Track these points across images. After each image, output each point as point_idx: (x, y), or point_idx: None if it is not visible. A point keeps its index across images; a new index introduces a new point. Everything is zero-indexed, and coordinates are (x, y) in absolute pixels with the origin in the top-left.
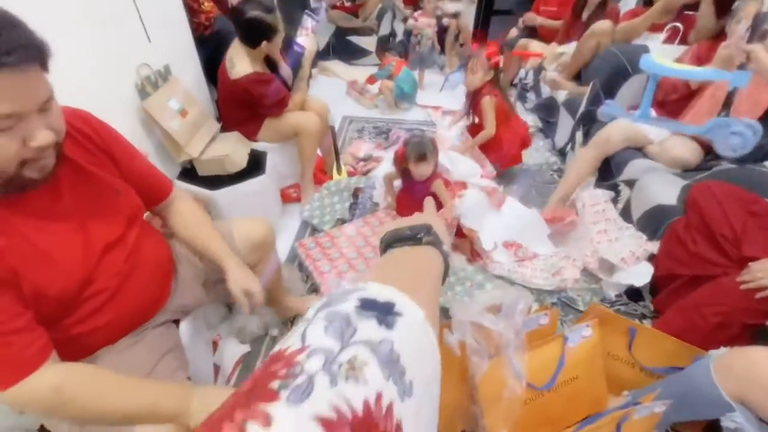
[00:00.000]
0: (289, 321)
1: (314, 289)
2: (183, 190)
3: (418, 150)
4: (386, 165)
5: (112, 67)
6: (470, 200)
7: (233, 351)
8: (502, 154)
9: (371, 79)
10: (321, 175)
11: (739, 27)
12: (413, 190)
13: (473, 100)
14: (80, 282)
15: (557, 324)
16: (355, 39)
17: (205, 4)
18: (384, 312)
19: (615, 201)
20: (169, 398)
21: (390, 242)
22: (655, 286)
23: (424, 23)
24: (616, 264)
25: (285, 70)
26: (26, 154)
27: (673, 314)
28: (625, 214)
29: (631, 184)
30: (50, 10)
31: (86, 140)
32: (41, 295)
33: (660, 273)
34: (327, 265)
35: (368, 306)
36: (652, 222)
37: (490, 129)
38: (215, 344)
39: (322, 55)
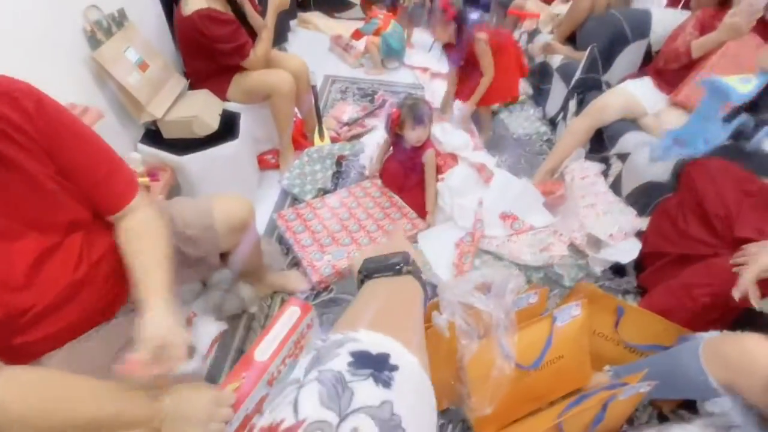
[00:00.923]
0: (269, 297)
1: (295, 263)
2: (147, 198)
3: (415, 113)
4: (377, 133)
5: (54, 8)
6: (458, 176)
7: (209, 329)
8: (502, 89)
9: (357, 34)
10: (301, 140)
11: None
12: (403, 158)
13: (461, 50)
14: (5, 302)
15: (546, 302)
16: None
17: None
18: (379, 367)
19: (605, 174)
20: (134, 403)
21: (369, 273)
22: (640, 262)
23: None
24: (603, 240)
25: (253, 16)
26: None
27: (661, 293)
28: (615, 188)
29: (623, 157)
30: None
31: (8, 125)
32: None
33: (647, 250)
34: (308, 238)
35: (362, 362)
36: (643, 198)
37: (489, 74)
38: (189, 322)
39: (302, 5)
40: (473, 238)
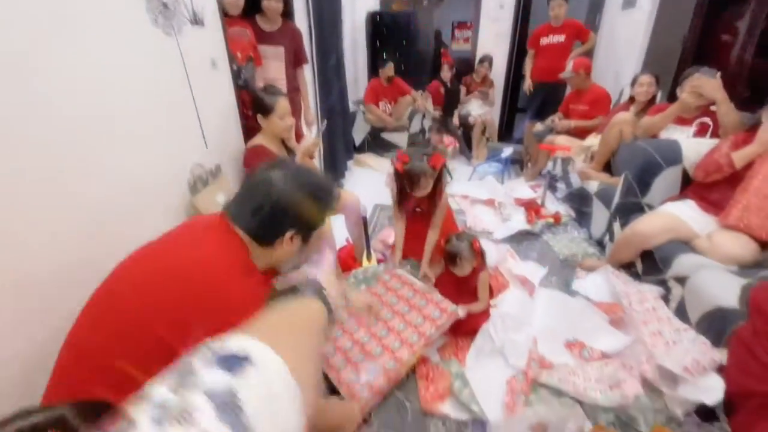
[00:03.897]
0: None
1: (332, 389)
2: None
3: (450, 252)
4: None
5: (168, 164)
6: (511, 303)
7: None
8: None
9: None
10: (351, 262)
11: None
12: (456, 281)
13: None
14: None
15: None
16: (387, 135)
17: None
18: (233, 360)
19: (666, 299)
20: None
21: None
22: (730, 403)
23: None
24: (678, 374)
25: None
26: None
27: None
28: (681, 314)
29: (682, 281)
30: (131, 112)
31: None
32: None
33: (732, 389)
34: (341, 360)
35: (220, 358)
36: (714, 326)
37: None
38: None
39: (358, 149)
40: (526, 377)
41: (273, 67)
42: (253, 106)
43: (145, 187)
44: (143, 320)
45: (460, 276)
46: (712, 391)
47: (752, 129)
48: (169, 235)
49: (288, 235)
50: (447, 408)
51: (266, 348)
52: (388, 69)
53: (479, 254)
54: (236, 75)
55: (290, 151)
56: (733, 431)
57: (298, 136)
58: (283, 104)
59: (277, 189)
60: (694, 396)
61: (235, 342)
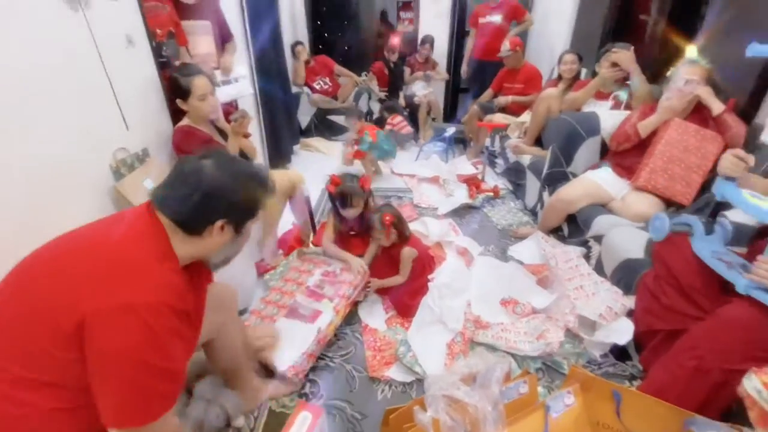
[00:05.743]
0: (256, 409)
1: None
2: None
3: (375, 223)
4: None
5: (88, 150)
6: (447, 273)
7: None
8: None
9: (358, 154)
10: (297, 246)
11: (676, 85)
12: (385, 258)
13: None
14: None
15: (537, 391)
16: (334, 118)
17: None
18: None
19: (587, 257)
20: None
21: None
22: (639, 342)
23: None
24: (595, 320)
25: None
26: None
27: (655, 371)
28: (599, 269)
29: (599, 239)
30: (36, 96)
31: None
32: None
33: (640, 329)
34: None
35: None
36: (625, 276)
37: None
38: None
39: (305, 132)
40: (464, 338)
41: (202, 42)
42: (170, 90)
43: (62, 174)
44: (53, 300)
45: (386, 248)
46: (623, 332)
47: (658, 100)
48: (90, 224)
49: (218, 224)
50: (392, 372)
51: None
52: (300, 51)
53: (389, 227)
54: (157, 52)
55: (221, 131)
56: (642, 365)
57: (227, 114)
58: (199, 83)
59: (208, 177)
60: (608, 338)
61: None
